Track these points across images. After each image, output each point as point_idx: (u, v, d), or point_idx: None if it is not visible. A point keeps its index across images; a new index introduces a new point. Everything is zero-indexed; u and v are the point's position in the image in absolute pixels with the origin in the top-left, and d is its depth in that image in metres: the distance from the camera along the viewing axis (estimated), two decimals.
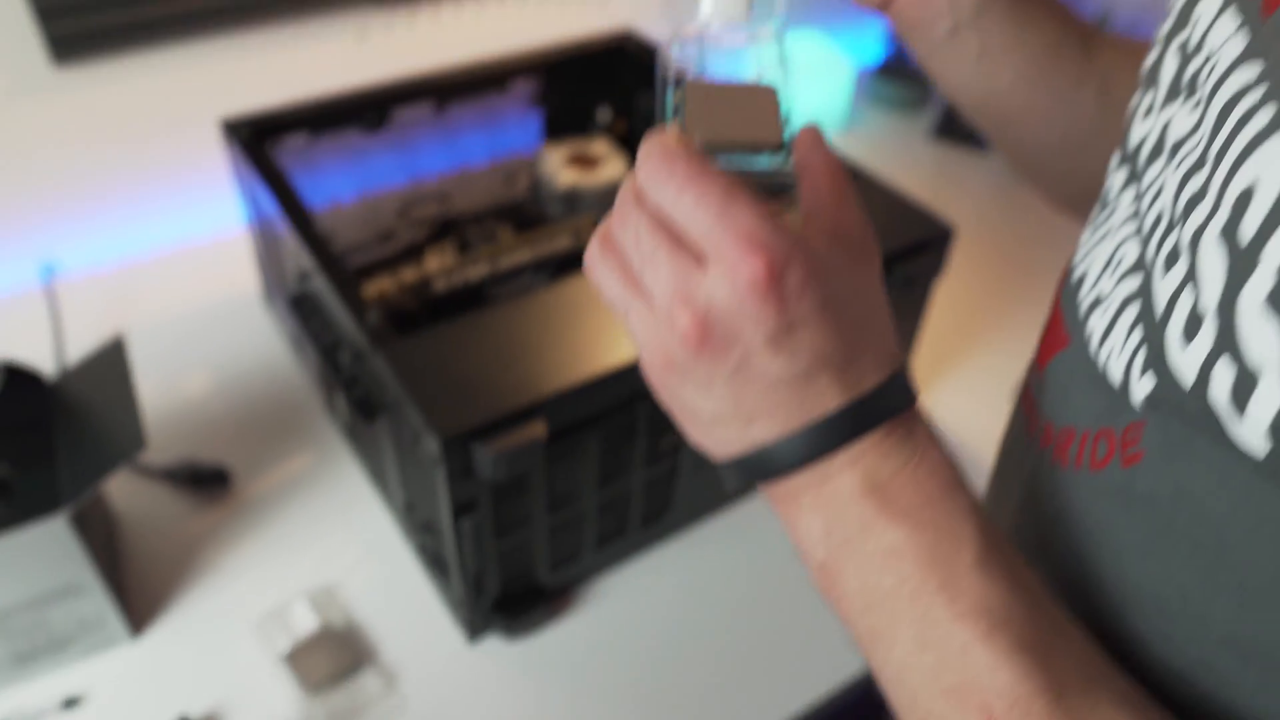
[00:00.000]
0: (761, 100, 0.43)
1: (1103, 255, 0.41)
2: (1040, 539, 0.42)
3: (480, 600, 0.74)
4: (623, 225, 0.36)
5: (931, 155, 1.41)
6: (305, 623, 0.77)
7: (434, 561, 0.77)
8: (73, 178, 1.07)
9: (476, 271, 0.85)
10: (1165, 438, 0.34)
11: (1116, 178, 0.43)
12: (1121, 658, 0.36)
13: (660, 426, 0.74)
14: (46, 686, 0.73)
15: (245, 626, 0.78)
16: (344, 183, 1.02)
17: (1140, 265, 0.36)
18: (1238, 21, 0.33)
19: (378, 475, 0.85)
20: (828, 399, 0.35)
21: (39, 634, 0.71)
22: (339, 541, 0.85)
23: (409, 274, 1.01)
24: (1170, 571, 0.35)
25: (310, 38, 1.14)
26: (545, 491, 0.71)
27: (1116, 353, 0.36)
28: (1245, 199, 0.28)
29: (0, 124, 1.01)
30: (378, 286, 0.98)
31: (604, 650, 0.78)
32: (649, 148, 0.36)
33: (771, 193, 0.40)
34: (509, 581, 0.76)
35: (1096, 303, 0.39)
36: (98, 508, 0.79)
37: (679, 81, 0.44)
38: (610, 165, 1.06)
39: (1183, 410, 0.32)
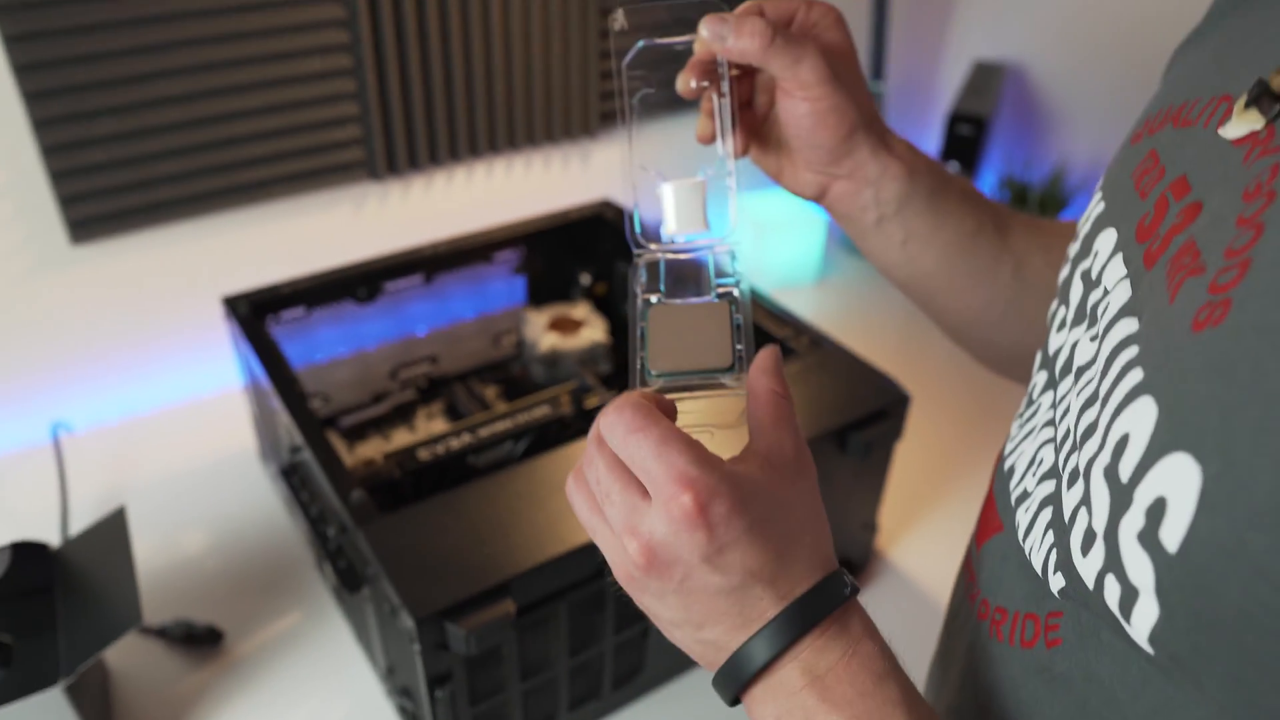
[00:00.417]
0: (715, 321, 0.50)
1: (1027, 454, 0.46)
2: (980, 708, 0.47)
3: None
4: (589, 463, 0.44)
5: (903, 300, 1.47)
6: None
7: None
8: (84, 342, 1.15)
9: (459, 442, 0.90)
10: (1078, 626, 0.39)
11: (1039, 378, 0.49)
12: None
13: (629, 596, 0.78)
14: None
15: None
16: (338, 347, 1.08)
17: (1054, 472, 0.41)
18: (1124, 270, 0.39)
19: (363, 637, 0.89)
20: (764, 605, 0.41)
21: None
22: (326, 700, 0.88)
23: (399, 436, 1.07)
24: None
25: (311, 210, 1.22)
26: (517, 661, 0.75)
27: (1037, 548, 0.42)
28: (1122, 445, 0.33)
29: (21, 296, 1.08)
30: (367, 450, 1.03)
31: None
32: (609, 406, 0.43)
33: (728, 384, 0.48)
34: None
35: (1023, 497, 0.45)
36: (95, 667, 0.83)
37: (644, 310, 0.50)
38: (589, 329, 1.13)
39: (1088, 606, 0.37)
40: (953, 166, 1.45)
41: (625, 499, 0.41)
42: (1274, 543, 0.27)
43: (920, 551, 1.05)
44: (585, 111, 1.37)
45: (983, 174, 1.59)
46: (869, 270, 1.54)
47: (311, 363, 1.06)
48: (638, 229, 0.54)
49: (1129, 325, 0.36)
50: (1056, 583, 0.39)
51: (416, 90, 1.20)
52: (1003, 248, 0.62)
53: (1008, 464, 0.49)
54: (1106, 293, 0.40)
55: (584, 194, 1.32)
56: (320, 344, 1.07)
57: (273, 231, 1.21)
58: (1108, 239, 0.42)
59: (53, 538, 1.02)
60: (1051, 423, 0.44)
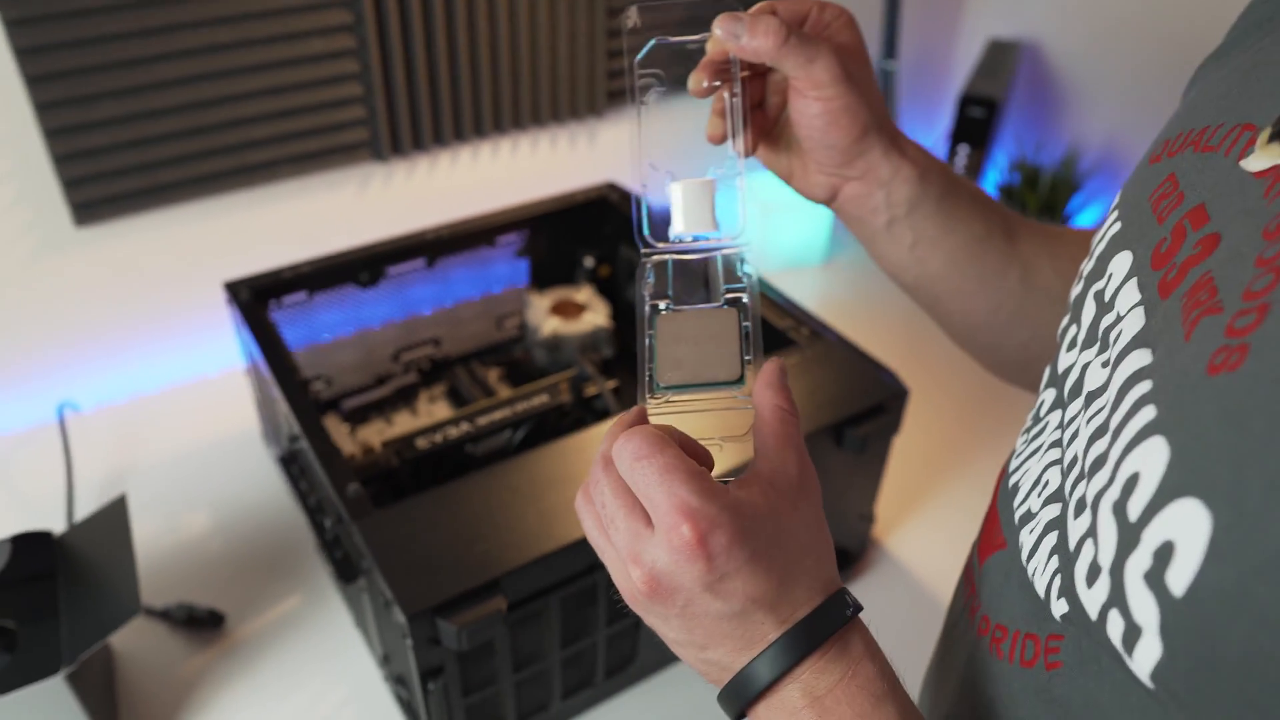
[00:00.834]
0: (724, 330, 0.50)
1: (1033, 473, 0.46)
2: None
3: None
4: (596, 484, 0.45)
5: None
6: None
7: (408, 710, 0.82)
8: (89, 323, 1.15)
9: (457, 431, 0.91)
10: (1078, 652, 0.39)
11: (1047, 395, 0.48)
12: None
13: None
14: None
15: None
16: (340, 331, 1.09)
17: (1059, 496, 0.41)
18: (1138, 296, 0.39)
19: (361, 623, 0.90)
20: (765, 629, 0.42)
21: None
22: (327, 683, 0.89)
23: (401, 419, 1.08)
24: None
25: (315, 191, 1.22)
26: (510, 653, 0.76)
27: (1040, 571, 0.42)
28: (1132, 483, 0.33)
29: (26, 279, 1.09)
30: (369, 433, 1.04)
31: None
32: (615, 427, 0.44)
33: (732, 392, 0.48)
34: None
35: (1027, 517, 0.45)
36: (99, 652, 0.84)
37: (652, 317, 0.50)
38: (592, 312, 1.13)
39: (1090, 634, 0.37)
40: (963, 149, 1.43)
41: (629, 525, 0.42)
42: (1279, 595, 0.28)
43: (918, 540, 1.05)
44: (592, 90, 1.36)
45: (993, 156, 1.57)
46: None
47: (314, 344, 1.06)
48: (645, 228, 0.54)
49: (1142, 357, 0.36)
50: (1059, 608, 0.39)
51: (421, 70, 1.19)
52: (1011, 253, 0.62)
53: (1012, 481, 0.49)
54: (1119, 318, 0.39)
55: (592, 173, 1.32)
56: (323, 328, 1.07)
57: (277, 213, 1.21)
58: (1123, 261, 0.41)
59: (58, 516, 1.03)
60: (1058, 444, 0.44)
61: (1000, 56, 1.52)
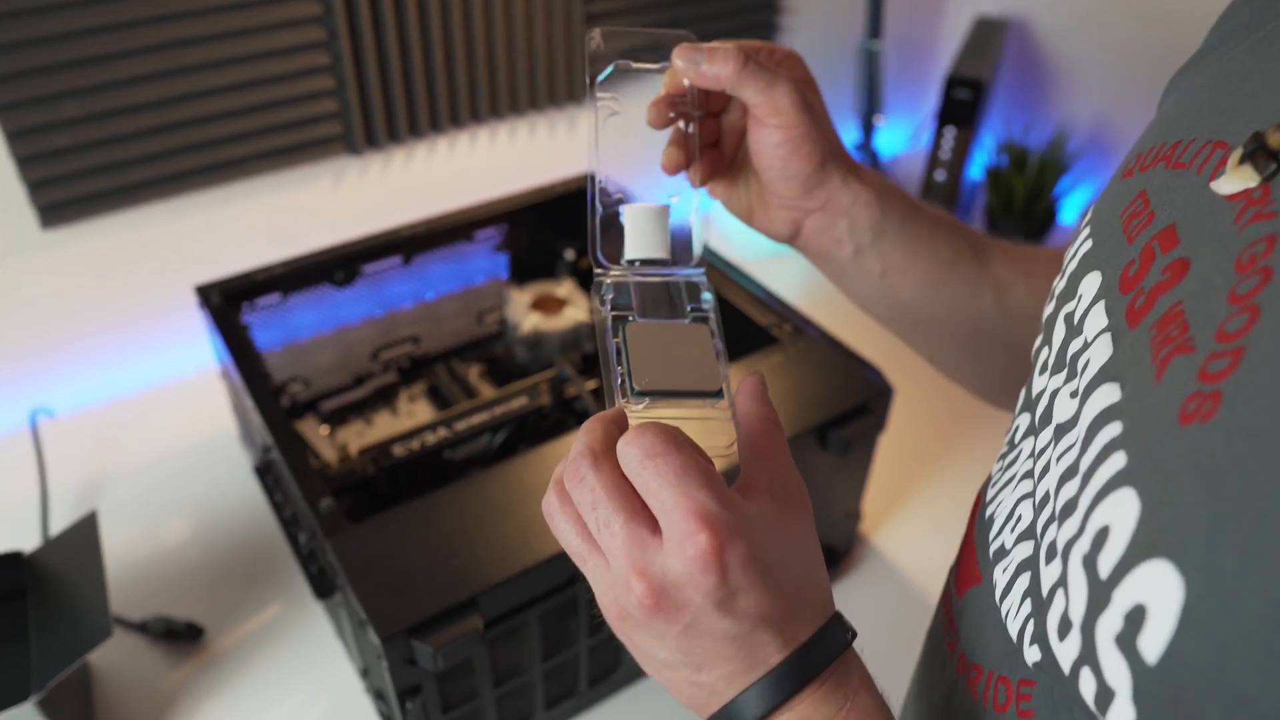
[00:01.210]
0: (698, 343, 0.49)
1: (1006, 505, 0.44)
2: None
3: None
4: (578, 484, 0.40)
5: None
6: None
7: None
8: (61, 327, 1.13)
9: (435, 437, 0.89)
10: (1051, 701, 0.37)
11: (1021, 420, 0.47)
12: None
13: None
14: None
15: None
16: (318, 329, 1.06)
17: (1031, 533, 0.40)
18: (1105, 321, 0.37)
19: (341, 633, 0.89)
20: (769, 651, 0.39)
21: None
22: (309, 695, 0.88)
23: (381, 419, 1.06)
24: None
25: (288, 187, 1.19)
26: (489, 669, 0.75)
27: (1013, 614, 0.40)
28: (1102, 537, 0.31)
29: None
30: (348, 435, 1.02)
31: None
32: (594, 423, 0.41)
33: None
34: None
35: (1001, 553, 0.43)
36: (76, 670, 0.83)
37: (618, 326, 0.49)
38: (573, 307, 1.11)
39: (1062, 685, 0.35)
40: (950, 131, 1.41)
41: (630, 531, 0.39)
42: (1257, 672, 0.26)
43: (904, 535, 1.04)
44: (570, 76, 1.33)
45: (981, 138, 1.54)
46: None
47: (290, 343, 1.04)
48: (599, 249, 0.52)
49: (1110, 393, 0.34)
50: (1031, 655, 0.38)
51: (394, 60, 1.16)
52: (982, 274, 0.61)
53: (988, 512, 0.47)
54: (1087, 344, 0.38)
55: (572, 161, 1.29)
56: (298, 329, 1.05)
57: (250, 209, 1.18)
58: (1092, 282, 0.39)
59: (33, 525, 1.01)
60: (1030, 474, 0.42)
61: (987, 34, 1.50)
